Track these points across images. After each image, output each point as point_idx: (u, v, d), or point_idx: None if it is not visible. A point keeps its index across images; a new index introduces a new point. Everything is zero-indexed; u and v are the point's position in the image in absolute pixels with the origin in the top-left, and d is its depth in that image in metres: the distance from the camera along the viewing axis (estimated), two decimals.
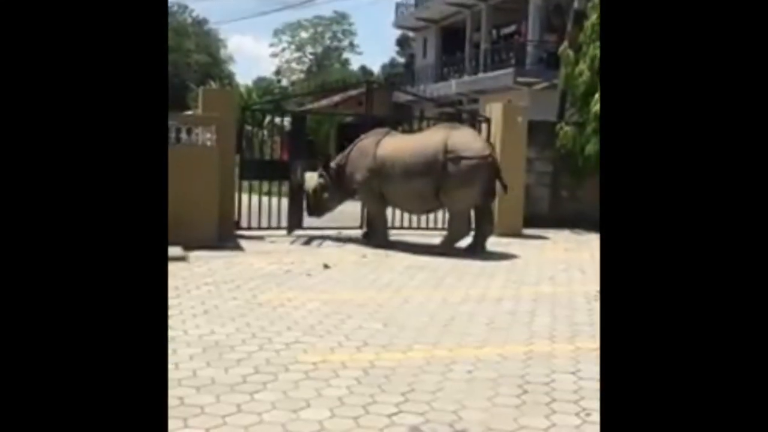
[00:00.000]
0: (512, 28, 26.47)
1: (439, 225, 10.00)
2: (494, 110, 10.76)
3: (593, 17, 11.02)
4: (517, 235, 10.15)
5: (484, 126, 10.82)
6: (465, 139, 8.45)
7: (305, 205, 9.55)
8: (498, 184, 8.55)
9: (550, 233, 10.42)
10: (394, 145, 8.74)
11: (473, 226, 8.67)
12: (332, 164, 9.38)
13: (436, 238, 9.07)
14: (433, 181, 8.28)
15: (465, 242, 8.68)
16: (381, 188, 8.75)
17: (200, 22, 54.48)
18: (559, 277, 7.17)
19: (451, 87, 25.46)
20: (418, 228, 10.31)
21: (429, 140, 8.56)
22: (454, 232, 8.61)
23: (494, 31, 26.89)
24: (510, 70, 21.39)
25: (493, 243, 9.45)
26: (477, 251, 8.46)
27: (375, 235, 9.14)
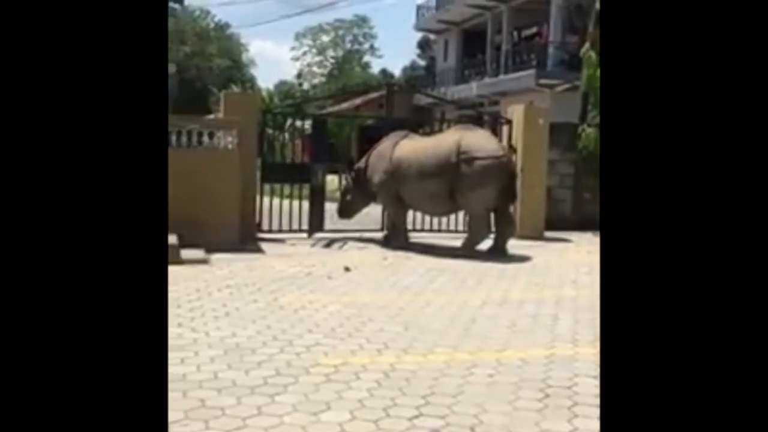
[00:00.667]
0: (533, 29, 26.34)
1: (461, 228, 9.96)
2: (516, 112, 10.70)
3: None
4: (539, 237, 10.08)
5: (505, 128, 10.77)
6: (478, 140, 8.43)
7: (337, 208, 9.75)
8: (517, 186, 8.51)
9: (572, 236, 10.33)
10: (410, 147, 8.78)
11: (493, 228, 8.63)
12: (354, 167, 9.52)
13: (457, 241, 9.03)
14: (447, 182, 8.28)
15: (486, 245, 8.64)
16: (398, 190, 8.80)
17: (222, 27, 54.86)
18: (582, 280, 7.10)
19: (472, 89, 25.39)
20: (439, 230, 10.29)
21: (443, 142, 8.59)
22: (474, 235, 8.57)
23: (515, 33, 26.77)
24: (531, 71, 21.28)
25: (514, 245, 9.39)
26: (498, 254, 8.42)
27: (395, 238, 9.15)
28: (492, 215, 8.57)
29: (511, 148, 10.42)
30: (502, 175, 8.23)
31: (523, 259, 8.37)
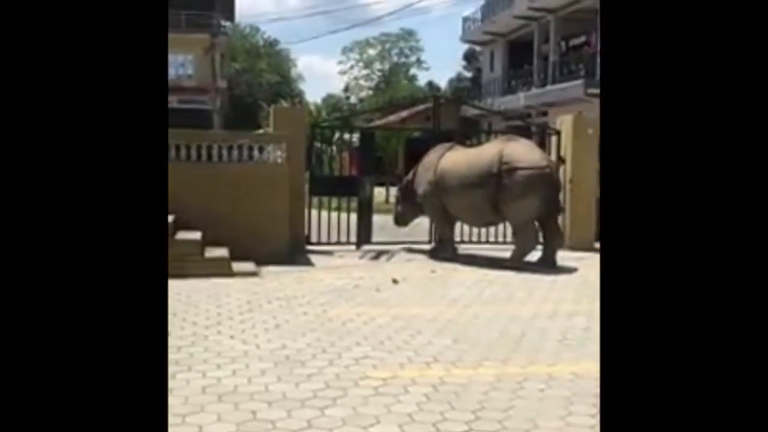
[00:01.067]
0: (581, 39, 25.99)
1: (509, 239, 9.85)
2: (564, 123, 10.57)
3: None
4: (589, 248, 9.89)
5: (554, 138, 10.65)
6: (520, 151, 8.35)
7: (393, 216, 9.94)
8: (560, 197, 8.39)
9: None
10: (453, 159, 8.81)
11: (541, 239, 8.52)
12: (403, 180, 9.66)
13: (505, 253, 8.93)
14: (489, 193, 8.24)
15: (535, 256, 8.52)
16: (442, 201, 8.82)
17: (272, 43, 55.76)
18: None
19: (520, 100, 25.20)
20: (488, 242, 10.19)
21: (485, 153, 8.57)
22: (521, 246, 8.46)
23: (563, 43, 26.47)
24: (579, 81, 21.00)
25: (564, 257, 9.24)
26: (547, 265, 8.29)
27: (442, 249, 9.13)
28: (539, 226, 8.46)
29: (560, 159, 10.29)
30: (544, 185, 8.13)
31: (573, 270, 8.22)
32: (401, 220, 9.82)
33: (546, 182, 8.14)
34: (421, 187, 9.10)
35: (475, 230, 10.04)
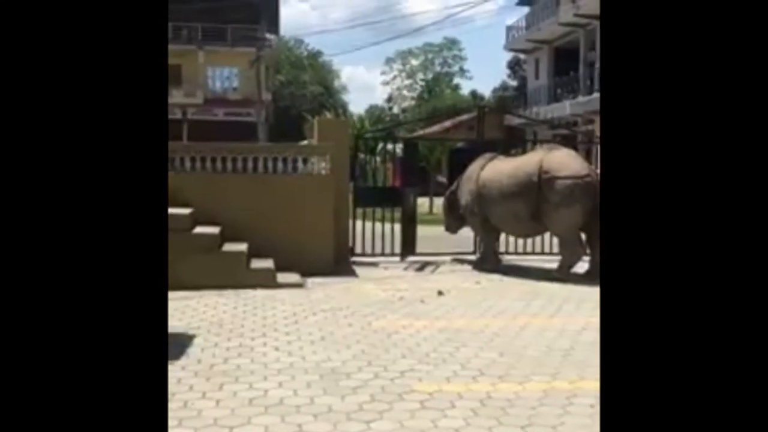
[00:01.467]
0: None
1: (555, 250, 9.71)
2: None
3: None
4: None
5: (600, 147, 10.47)
6: (561, 160, 8.22)
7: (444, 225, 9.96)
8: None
9: None
10: (495, 169, 8.77)
11: (588, 250, 8.37)
12: (449, 190, 9.68)
13: (552, 264, 8.80)
14: (530, 203, 8.16)
15: (583, 268, 8.37)
16: (484, 211, 8.79)
17: (315, 55, 56.41)
18: None
19: (566, 108, 24.91)
20: (534, 253, 10.07)
21: (526, 162, 8.51)
22: (566, 257, 8.31)
23: None
24: None
25: None
26: (592, 277, 8.14)
27: (485, 260, 9.07)
28: (585, 237, 8.32)
29: None
30: (585, 195, 7.96)
31: None
32: (449, 230, 9.87)
33: (587, 192, 7.97)
34: (464, 197, 9.11)
35: (521, 241, 9.93)
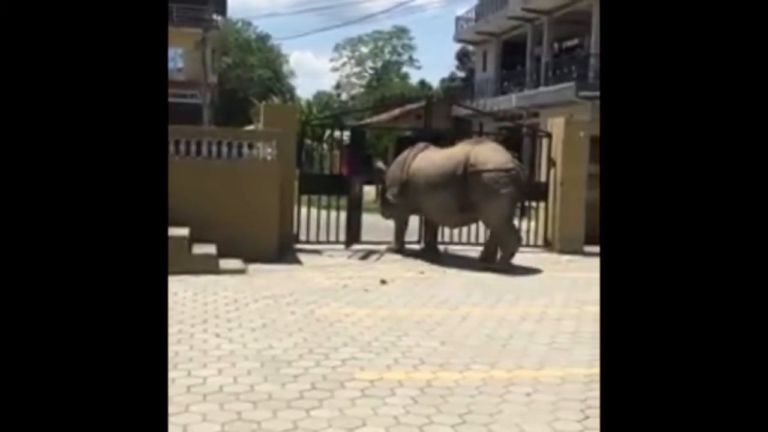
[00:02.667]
0: (575, 41, 26.13)
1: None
2: (555, 125, 10.59)
3: None
4: (578, 252, 9.93)
5: (544, 141, 10.67)
6: (487, 153, 8.46)
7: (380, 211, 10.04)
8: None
9: None
10: (425, 159, 8.95)
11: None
12: (383, 176, 9.79)
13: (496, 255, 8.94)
14: (456, 195, 8.37)
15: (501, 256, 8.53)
16: (411, 200, 9.00)
17: (263, 38, 55.64)
18: None
19: (512, 101, 25.26)
20: (477, 244, 10.20)
21: (453, 155, 8.69)
22: (505, 247, 8.48)
23: (556, 45, 26.59)
24: (572, 83, 21.07)
25: (553, 260, 9.29)
26: (503, 265, 8.43)
27: (395, 245, 9.41)
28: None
29: (551, 162, 10.34)
30: (511, 186, 8.25)
31: (562, 274, 8.25)
32: (385, 215, 9.97)
33: (512, 184, 8.26)
34: (394, 185, 9.28)
35: (465, 231, 10.05)
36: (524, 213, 9.61)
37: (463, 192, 8.31)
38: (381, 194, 9.85)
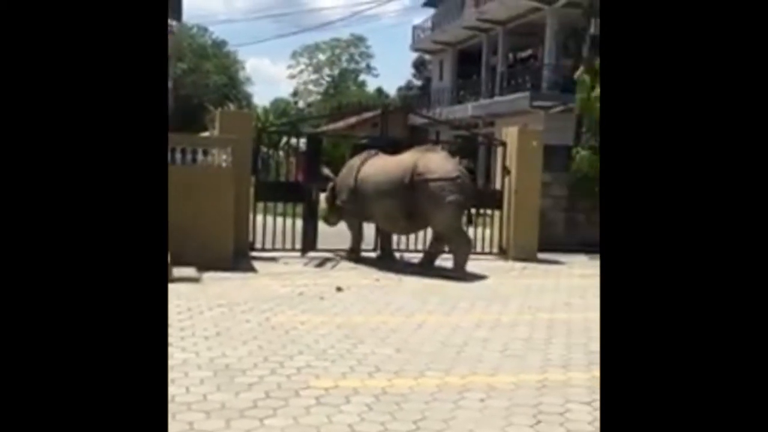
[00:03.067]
0: (528, 51, 26.55)
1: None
2: (510, 134, 10.74)
3: None
4: (532, 259, 10.08)
5: (499, 150, 10.81)
6: (434, 162, 8.57)
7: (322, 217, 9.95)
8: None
9: (565, 258, 10.33)
10: (374, 167, 9.02)
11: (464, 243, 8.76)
12: (330, 183, 9.80)
13: (450, 261, 9.01)
14: (402, 203, 8.46)
15: (449, 263, 8.61)
16: (361, 207, 9.06)
17: (219, 44, 55.09)
18: (575, 303, 7.09)
19: (467, 110, 25.51)
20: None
21: (400, 162, 8.78)
22: (458, 254, 8.58)
23: (511, 55, 26.96)
24: (526, 93, 21.42)
25: (507, 268, 9.41)
26: (427, 267, 8.67)
27: (351, 252, 9.44)
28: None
29: (505, 170, 10.48)
30: (458, 194, 8.34)
31: (516, 281, 8.35)
32: (328, 222, 9.97)
33: (457, 191, 8.35)
34: (343, 192, 9.32)
35: (420, 238, 10.11)
36: (470, 221, 9.76)
37: (410, 200, 8.40)
38: (327, 201, 9.83)
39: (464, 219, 9.06)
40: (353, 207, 9.19)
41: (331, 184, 9.76)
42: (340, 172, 9.68)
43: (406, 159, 8.79)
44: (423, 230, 9.41)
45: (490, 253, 10.41)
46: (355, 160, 9.41)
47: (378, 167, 8.95)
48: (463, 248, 8.59)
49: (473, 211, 10.72)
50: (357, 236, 9.52)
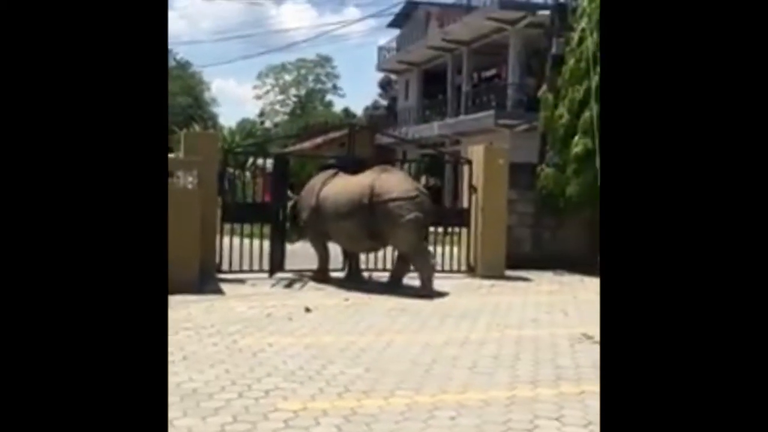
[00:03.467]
0: (493, 71, 26.91)
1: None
2: (476, 153, 10.85)
3: (571, 62, 11.22)
4: (500, 276, 10.15)
5: (465, 168, 10.90)
6: (391, 182, 8.64)
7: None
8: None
9: (532, 275, 10.42)
10: (334, 187, 9.07)
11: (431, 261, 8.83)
12: (291, 202, 9.78)
13: (417, 280, 9.03)
14: (362, 223, 8.50)
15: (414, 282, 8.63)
16: (322, 227, 9.08)
17: (184, 66, 54.81)
18: (543, 319, 7.15)
19: (434, 129, 25.73)
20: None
21: (359, 183, 8.83)
22: (423, 272, 8.59)
23: (475, 74, 27.30)
24: (491, 112, 21.69)
25: (475, 285, 9.46)
26: (394, 286, 8.72)
27: (318, 273, 9.36)
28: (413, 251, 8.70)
29: (471, 188, 10.56)
30: (416, 212, 8.39)
31: (484, 298, 8.40)
32: (290, 240, 9.95)
33: (416, 210, 8.42)
34: (304, 212, 9.33)
35: (389, 257, 10.11)
36: (427, 238, 9.78)
37: (370, 220, 8.45)
38: (288, 219, 9.79)
39: (426, 237, 9.07)
40: (314, 227, 9.19)
41: (291, 203, 9.76)
42: (301, 192, 9.68)
43: (363, 179, 8.84)
44: (387, 249, 9.43)
45: (459, 270, 10.46)
46: (316, 180, 9.45)
47: (338, 187, 8.99)
48: (427, 266, 8.61)
49: (440, 229, 10.78)
50: (323, 256, 9.48)
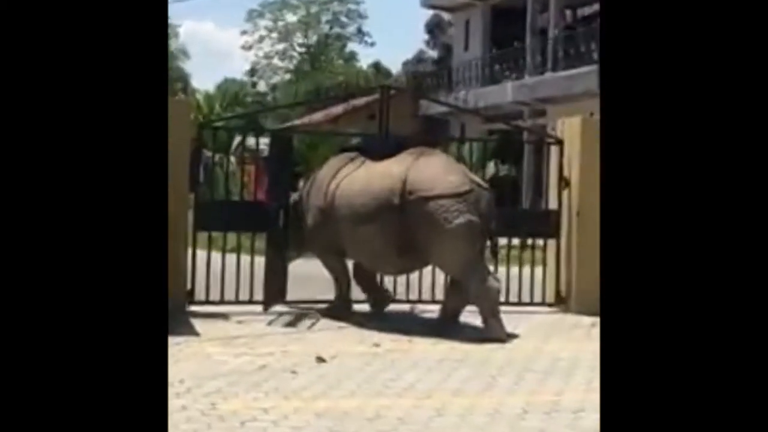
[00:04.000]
0: (594, 8, 26.76)
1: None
2: (569, 128, 10.78)
3: None
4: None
5: (553, 150, 10.84)
6: (432, 171, 8.48)
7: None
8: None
9: None
10: (353, 179, 8.93)
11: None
12: (292, 199, 9.73)
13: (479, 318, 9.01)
14: (390, 231, 8.36)
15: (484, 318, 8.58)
16: (335, 238, 8.97)
17: None
18: None
19: (507, 93, 25.72)
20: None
21: (385, 173, 8.68)
22: (479, 304, 8.44)
23: (568, 13, 27.21)
24: (593, 67, 21.56)
25: (568, 324, 9.42)
26: (447, 324, 8.70)
27: (336, 306, 9.40)
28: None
29: (563, 181, 10.48)
30: (469, 216, 8.23)
31: (580, 344, 8.35)
32: (290, 257, 9.87)
33: (469, 212, 8.26)
34: (310, 214, 9.27)
35: (438, 285, 10.12)
36: (495, 253, 9.57)
37: (402, 227, 8.31)
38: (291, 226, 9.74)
39: (484, 251, 8.83)
40: (323, 236, 9.12)
41: (293, 201, 9.69)
42: (306, 186, 9.65)
43: (393, 168, 8.68)
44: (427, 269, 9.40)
45: (543, 303, 10.43)
46: (328, 169, 9.38)
47: (358, 180, 8.84)
48: (487, 294, 8.35)
49: (515, 241, 10.73)
50: (343, 279, 9.45)
